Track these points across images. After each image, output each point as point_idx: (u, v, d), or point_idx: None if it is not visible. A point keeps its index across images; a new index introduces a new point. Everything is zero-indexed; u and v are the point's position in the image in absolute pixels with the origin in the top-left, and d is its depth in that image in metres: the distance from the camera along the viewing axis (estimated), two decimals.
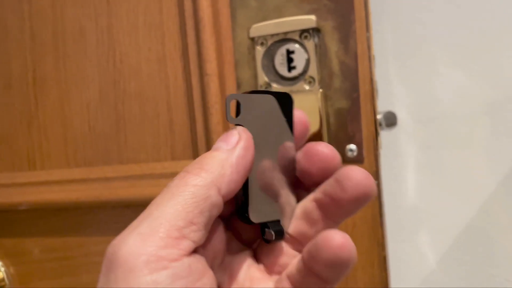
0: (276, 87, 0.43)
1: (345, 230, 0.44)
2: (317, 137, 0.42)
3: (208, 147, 0.46)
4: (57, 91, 0.52)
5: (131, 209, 0.50)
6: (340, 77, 0.43)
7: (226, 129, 0.46)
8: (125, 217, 0.50)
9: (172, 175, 0.48)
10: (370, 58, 0.42)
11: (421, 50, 0.53)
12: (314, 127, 0.42)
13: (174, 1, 0.47)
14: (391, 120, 0.49)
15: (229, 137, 0.25)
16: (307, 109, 0.42)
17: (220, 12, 0.45)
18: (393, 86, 0.53)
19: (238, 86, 0.46)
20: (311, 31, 0.42)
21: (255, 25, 0.43)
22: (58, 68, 0.52)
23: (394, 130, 0.53)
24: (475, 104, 0.53)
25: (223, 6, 0.45)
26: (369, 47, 0.42)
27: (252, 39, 0.44)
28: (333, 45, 0.43)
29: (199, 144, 0.47)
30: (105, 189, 0.50)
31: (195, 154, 0.47)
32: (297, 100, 0.42)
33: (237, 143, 0.25)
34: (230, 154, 0.25)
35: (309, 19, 0.42)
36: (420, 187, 0.56)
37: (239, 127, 0.26)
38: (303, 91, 0.43)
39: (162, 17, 0.47)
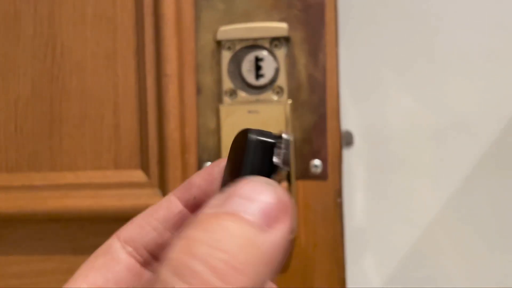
0: (242, 94, 0.41)
1: (305, 249, 0.42)
2: None
3: (162, 155, 0.41)
4: None
5: (61, 224, 0.44)
6: (308, 90, 0.41)
7: (184, 136, 0.42)
8: (52, 233, 0.44)
9: (115, 185, 0.43)
10: (337, 74, 0.42)
11: (374, 72, 0.54)
12: None
13: None
14: (348, 139, 0.49)
15: (260, 199, 0.15)
16: (274, 120, 0.40)
17: (184, 11, 0.42)
18: (344, 106, 0.53)
19: (199, 90, 0.42)
20: (282, 40, 0.40)
21: (222, 28, 0.41)
22: None
23: (344, 150, 0.53)
24: (423, 129, 0.55)
25: (188, 5, 0.42)
26: (337, 63, 0.41)
27: (219, 42, 0.41)
28: (302, 57, 0.41)
29: (150, 152, 0.42)
30: (30, 199, 0.43)
31: (144, 163, 0.43)
32: (264, 110, 0.39)
33: (278, 219, 0.15)
34: (264, 238, 0.15)
35: (281, 27, 0.40)
36: (367, 209, 0.56)
37: (276, 187, 0.16)
38: (271, 101, 0.40)
39: (116, 9, 0.43)
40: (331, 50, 0.42)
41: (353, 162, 0.55)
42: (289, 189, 0.40)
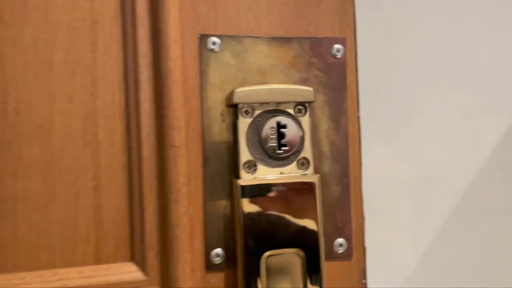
0: (262, 167, 0.34)
1: None
2: (313, 233, 0.34)
3: (164, 245, 0.33)
4: None
5: None
6: (330, 159, 0.37)
7: (189, 217, 0.34)
8: None
9: (98, 287, 0.33)
10: (360, 140, 0.38)
11: None
12: (310, 223, 0.34)
13: (114, 39, 0.34)
14: None
15: None
16: (303, 198, 0.34)
17: (186, 64, 0.34)
18: None
19: (205, 160, 0.35)
20: (307, 105, 0.35)
21: (240, 89, 0.34)
22: None
23: None
24: (399, 182, 0.54)
25: (191, 56, 0.35)
26: (359, 129, 0.38)
27: (235, 105, 0.34)
28: (323, 122, 0.37)
29: (146, 240, 0.33)
30: None
31: (137, 255, 0.33)
32: (292, 187, 0.34)
33: None
34: None
35: (307, 91, 0.35)
36: None
37: None
38: (296, 174, 0.35)
39: (96, 55, 0.33)
40: (352, 115, 0.38)
41: None
42: (319, 273, 0.35)
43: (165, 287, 0.33)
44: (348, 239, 0.38)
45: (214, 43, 0.36)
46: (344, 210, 0.38)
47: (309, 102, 0.36)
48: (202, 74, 0.36)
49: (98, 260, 0.34)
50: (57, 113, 0.33)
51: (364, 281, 0.38)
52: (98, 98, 0.34)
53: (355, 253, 0.38)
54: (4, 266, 0.32)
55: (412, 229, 0.55)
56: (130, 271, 0.34)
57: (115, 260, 0.34)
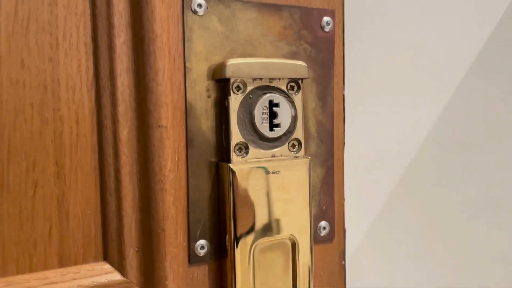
0: (254, 150, 0.31)
1: None
2: (304, 218, 0.33)
3: (151, 240, 0.29)
4: None
5: None
6: (317, 139, 0.35)
7: (179, 211, 0.30)
8: None
9: None
10: (344, 120, 0.37)
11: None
12: (301, 207, 0.33)
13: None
14: None
15: None
16: (296, 181, 0.32)
17: (168, 28, 0.29)
18: None
19: (189, 141, 0.31)
20: (300, 82, 0.33)
21: (233, 61, 0.30)
22: None
23: None
24: (353, 159, 0.55)
25: (173, 19, 0.29)
26: (344, 108, 0.36)
27: (224, 80, 0.30)
28: (311, 101, 0.35)
29: (125, 235, 0.28)
30: None
31: (112, 253, 0.29)
32: (285, 170, 0.31)
33: None
34: None
35: (302, 66, 0.32)
36: None
37: None
38: (288, 157, 0.32)
39: (57, 10, 0.27)
40: (338, 93, 0.36)
41: None
42: (310, 256, 0.34)
43: (149, 287, 0.29)
44: (331, 222, 0.37)
45: (199, 5, 0.31)
46: (328, 193, 0.36)
47: (302, 79, 0.33)
48: (186, 41, 0.30)
49: (64, 261, 0.28)
50: (6, 82, 0.26)
51: (343, 262, 0.38)
52: (59, 65, 0.27)
53: (337, 235, 0.37)
54: None
55: (361, 201, 0.57)
56: (104, 272, 0.29)
57: (84, 260, 0.29)
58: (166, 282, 0.29)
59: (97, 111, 0.28)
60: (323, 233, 0.36)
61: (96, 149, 0.28)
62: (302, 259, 0.33)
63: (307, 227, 0.33)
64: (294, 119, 0.33)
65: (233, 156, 0.31)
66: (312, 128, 0.36)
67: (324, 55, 0.35)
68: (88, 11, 0.28)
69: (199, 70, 0.31)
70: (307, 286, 0.33)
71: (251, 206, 0.31)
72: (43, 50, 0.27)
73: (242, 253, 0.31)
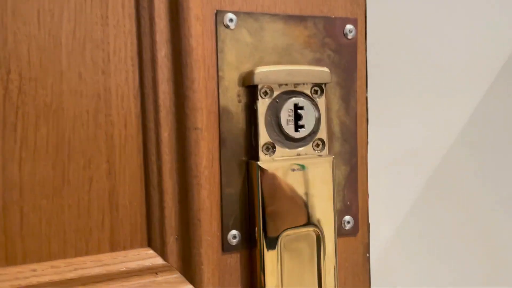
0: (281, 149, 0.34)
1: None
2: (328, 211, 0.35)
3: (188, 229, 0.32)
4: None
5: None
6: (340, 139, 0.38)
7: (211, 204, 0.33)
8: None
9: (116, 275, 0.32)
10: (367, 121, 0.39)
11: None
12: (325, 201, 0.35)
13: (127, 12, 0.31)
14: None
15: None
16: (319, 178, 0.35)
17: (203, 40, 0.33)
18: None
19: (222, 142, 0.34)
20: (323, 86, 0.35)
21: (260, 69, 0.33)
22: None
23: None
24: (379, 158, 0.56)
25: (207, 32, 0.33)
26: (367, 109, 0.39)
27: (253, 86, 0.33)
28: (334, 103, 0.37)
29: (166, 225, 0.32)
30: None
31: (156, 240, 0.32)
32: (310, 167, 0.34)
33: None
34: None
35: (325, 72, 0.35)
36: None
37: None
38: (312, 155, 0.35)
39: (107, 30, 0.31)
40: (361, 96, 0.39)
41: None
42: (333, 249, 0.36)
43: (187, 272, 0.33)
44: (355, 216, 0.39)
45: (231, 20, 0.34)
46: (352, 189, 0.39)
47: (325, 84, 0.36)
48: (219, 52, 0.34)
49: (114, 247, 0.32)
50: (66, 92, 0.31)
51: (367, 254, 0.40)
52: (110, 77, 0.32)
53: (361, 229, 0.40)
54: (13, 258, 0.30)
55: (388, 201, 0.58)
56: (148, 257, 0.33)
57: (131, 246, 0.33)
58: (202, 267, 0.33)
59: (142, 116, 0.32)
60: (347, 227, 0.39)
61: (141, 149, 0.33)
62: (326, 250, 0.36)
63: (331, 220, 0.36)
64: (318, 120, 0.36)
65: (261, 155, 0.35)
66: (336, 129, 0.38)
67: (347, 61, 0.38)
68: (134, 29, 0.32)
69: (231, 78, 0.35)
70: (332, 275, 0.36)
71: (277, 200, 0.35)
72: (97, 64, 0.31)
73: (269, 243, 0.34)
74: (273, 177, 0.34)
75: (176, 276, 0.33)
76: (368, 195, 0.40)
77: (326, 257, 0.36)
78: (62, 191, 0.31)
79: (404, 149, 0.58)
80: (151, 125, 0.32)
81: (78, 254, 0.31)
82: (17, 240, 0.30)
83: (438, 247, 0.60)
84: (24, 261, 0.30)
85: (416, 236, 0.59)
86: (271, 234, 0.34)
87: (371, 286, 0.41)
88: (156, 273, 0.33)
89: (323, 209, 0.36)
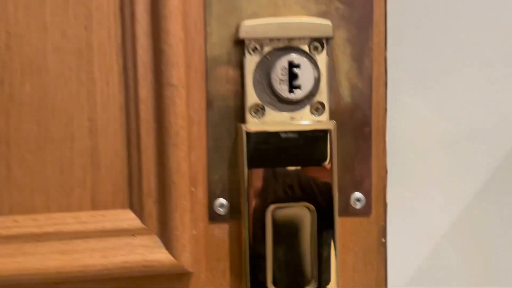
0: (271, 112, 0.31)
1: None
2: (326, 185, 0.31)
3: (163, 193, 0.30)
4: None
5: None
6: (350, 105, 0.33)
7: (190, 164, 0.31)
8: None
9: (94, 233, 0.31)
10: (385, 85, 0.33)
11: (388, 74, 0.46)
12: (323, 174, 0.31)
13: None
14: None
15: None
16: (316, 146, 0.31)
17: None
18: None
19: (209, 103, 0.31)
20: (324, 41, 0.31)
21: (247, 22, 0.30)
22: None
23: None
24: (433, 138, 0.49)
25: None
26: (385, 70, 0.33)
27: (241, 41, 0.30)
28: (344, 63, 0.32)
29: (144, 186, 0.31)
30: None
31: (135, 202, 0.31)
32: (303, 134, 0.30)
33: None
34: None
35: (325, 25, 0.31)
36: None
37: None
38: (309, 120, 0.31)
39: None
40: (378, 55, 0.33)
41: None
42: (331, 230, 0.32)
43: (163, 236, 0.31)
44: (367, 194, 0.34)
45: None
46: (364, 163, 0.34)
47: (327, 38, 0.32)
48: (207, 6, 0.32)
49: (95, 206, 0.32)
50: (50, 49, 0.31)
51: (383, 239, 0.35)
52: (93, 33, 0.31)
53: (375, 210, 0.34)
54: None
55: (445, 190, 0.50)
56: (127, 219, 0.32)
57: (112, 206, 0.32)
58: (177, 232, 0.31)
59: (124, 74, 0.31)
60: (357, 205, 0.34)
61: (124, 108, 0.32)
62: (324, 229, 0.32)
63: (331, 195, 0.32)
64: (317, 81, 0.32)
65: (249, 117, 0.32)
66: (345, 92, 0.33)
67: (359, 14, 0.33)
68: None
69: (220, 34, 0.32)
70: (327, 256, 0.32)
71: (265, 168, 0.31)
72: (79, 20, 0.31)
73: (255, 216, 0.31)
74: (260, 142, 0.31)
75: (152, 239, 0.31)
76: (386, 171, 0.35)
77: (323, 237, 0.32)
78: (46, 147, 0.31)
79: (465, 129, 0.49)
80: (131, 82, 0.31)
81: (60, 210, 0.32)
82: (3, 191, 0.31)
83: (502, 250, 0.51)
84: (9, 212, 0.31)
85: (474, 234, 0.50)
86: (257, 206, 0.31)
87: (388, 276, 0.35)
88: (134, 235, 0.32)
89: (320, 182, 0.32)
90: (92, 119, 0.32)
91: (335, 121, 0.33)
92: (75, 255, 0.31)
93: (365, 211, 0.34)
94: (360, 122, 0.34)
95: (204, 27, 0.32)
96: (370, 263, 0.35)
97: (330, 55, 0.33)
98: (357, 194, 0.34)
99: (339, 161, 0.33)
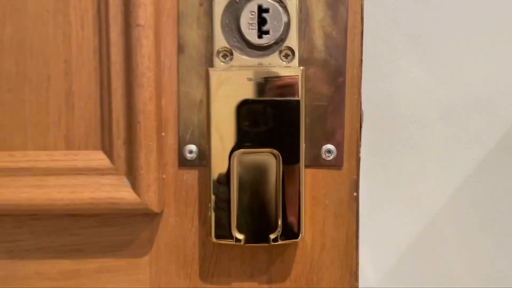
0: (239, 56, 0.30)
1: (311, 252, 0.34)
2: (293, 135, 0.30)
3: (131, 134, 0.31)
4: None
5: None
6: (324, 54, 0.32)
7: (160, 109, 0.31)
8: None
9: (65, 171, 0.32)
10: (362, 34, 0.32)
11: (384, 37, 0.45)
12: (289, 122, 0.30)
13: None
14: None
15: None
16: (280, 94, 0.30)
17: None
18: None
19: (180, 49, 0.32)
20: None
21: None
22: None
23: None
24: (432, 107, 0.47)
25: None
26: (362, 19, 0.32)
27: None
28: (318, 10, 0.32)
29: (114, 128, 0.31)
30: None
31: (106, 143, 0.32)
32: (270, 79, 0.30)
33: None
34: None
35: None
36: (366, 196, 0.48)
37: None
38: (278, 66, 0.30)
39: None
40: (354, 3, 0.32)
41: None
42: (297, 178, 0.31)
43: (130, 176, 0.32)
44: (338, 146, 0.34)
45: None
46: (336, 114, 0.33)
47: None
48: None
49: (69, 146, 0.33)
50: None
51: (355, 193, 0.34)
52: None
53: (347, 163, 0.34)
54: None
55: (442, 162, 0.48)
56: (98, 159, 0.33)
57: (85, 147, 0.33)
58: (142, 172, 0.31)
59: (98, 17, 0.32)
60: (329, 157, 0.34)
61: (98, 51, 0.33)
62: (290, 177, 0.32)
63: (296, 143, 0.31)
64: (287, 25, 0.31)
65: (216, 62, 0.32)
66: (319, 41, 0.33)
67: None
68: None
69: None
70: (293, 205, 0.32)
71: (229, 113, 0.31)
72: None
73: (219, 161, 0.31)
74: (226, 86, 0.31)
75: (119, 179, 0.32)
76: (359, 123, 0.34)
77: (288, 185, 0.32)
78: (24, 87, 0.33)
79: (471, 97, 0.47)
80: (103, 25, 0.32)
81: (35, 148, 0.33)
82: None
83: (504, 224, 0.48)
84: None
85: (472, 206, 0.48)
86: (221, 150, 0.31)
87: (360, 229, 0.35)
88: (103, 175, 0.33)
89: (285, 129, 0.31)
90: (68, 61, 0.33)
91: (308, 70, 0.32)
92: (46, 189, 0.32)
93: (337, 163, 0.34)
94: (333, 72, 0.33)
95: None
96: (341, 216, 0.34)
97: (304, 1, 0.32)
98: (328, 146, 0.33)
99: (310, 110, 0.33)
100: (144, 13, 0.30)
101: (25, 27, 0.32)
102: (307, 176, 0.34)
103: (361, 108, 0.34)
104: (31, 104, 0.33)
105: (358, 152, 0.34)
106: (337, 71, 0.33)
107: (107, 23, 0.32)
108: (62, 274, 0.34)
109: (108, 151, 0.33)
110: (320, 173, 0.34)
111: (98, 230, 0.34)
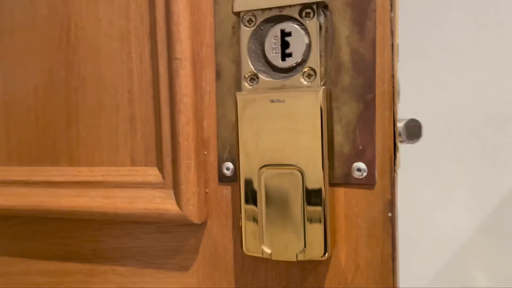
0: (264, 79, 0.32)
1: (344, 272, 0.33)
2: (314, 151, 0.31)
3: (174, 152, 0.35)
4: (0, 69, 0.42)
5: (82, 223, 0.40)
6: (351, 71, 0.31)
7: (202, 130, 0.35)
8: (74, 231, 0.40)
9: (128, 184, 0.38)
10: (393, 47, 0.31)
11: (430, 50, 0.41)
12: (311, 139, 0.31)
13: None
14: (414, 131, 0.37)
15: None
16: (304, 111, 0.31)
17: None
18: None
19: (218, 75, 0.35)
20: (315, 7, 0.31)
21: None
22: (2, 42, 0.42)
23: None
24: (482, 117, 0.41)
25: None
26: (392, 33, 0.31)
27: (237, 14, 0.32)
28: (344, 28, 0.31)
29: (164, 148, 0.36)
30: (47, 196, 0.39)
31: (159, 161, 0.36)
32: (292, 99, 0.31)
33: None
34: None
35: None
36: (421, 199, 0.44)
37: None
38: (300, 87, 0.31)
39: None
40: (383, 17, 0.31)
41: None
42: (320, 196, 0.32)
43: (175, 190, 0.36)
44: (369, 164, 0.33)
45: None
46: (366, 131, 0.32)
47: (318, 3, 0.32)
48: None
49: (133, 163, 0.39)
50: (102, 36, 0.39)
51: (390, 214, 0.33)
52: (130, 21, 0.38)
53: (380, 181, 0.33)
54: (71, 161, 0.41)
55: (496, 168, 0.42)
56: (153, 174, 0.38)
57: (145, 164, 0.39)
58: (181, 187, 0.35)
59: (151, 52, 0.38)
60: (360, 176, 0.33)
61: (152, 82, 0.38)
62: (312, 195, 0.32)
63: (318, 160, 0.32)
64: (308, 47, 0.32)
65: (244, 86, 0.34)
66: (346, 58, 0.33)
67: None
68: None
69: (226, 11, 0.35)
70: (321, 226, 0.32)
71: (254, 133, 0.33)
72: (121, 11, 0.38)
73: (247, 179, 0.34)
74: (250, 109, 0.33)
75: (167, 192, 0.37)
76: (392, 140, 0.32)
77: (312, 202, 0.32)
78: (101, 114, 0.40)
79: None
80: (154, 58, 0.37)
81: (109, 164, 0.40)
82: (74, 148, 0.41)
83: None
84: (78, 164, 0.41)
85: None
86: (249, 168, 0.33)
87: (397, 252, 0.33)
88: (155, 188, 0.37)
89: (307, 147, 0.32)
90: (131, 91, 0.39)
91: (336, 88, 0.33)
92: (112, 199, 0.38)
93: (368, 182, 0.33)
94: (362, 89, 0.32)
95: (213, 6, 0.35)
96: (375, 237, 0.33)
97: (330, 20, 0.33)
98: (359, 164, 0.33)
99: (338, 128, 0.33)
100: (181, 47, 0.35)
101: (100, 65, 0.39)
102: (340, 194, 0.34)
103: (395, 124, 0.32)
104: (106, 128, 0.40)
105: (392, 170, 0.32)
106: (366, 87, 0.32)
107: (157, 57, 0.37)
108: (130, 271, 0.40)
109: (161, 167, 0.38)
110: (352, 191, 0.33)
111: (156, 236, 0.39)
